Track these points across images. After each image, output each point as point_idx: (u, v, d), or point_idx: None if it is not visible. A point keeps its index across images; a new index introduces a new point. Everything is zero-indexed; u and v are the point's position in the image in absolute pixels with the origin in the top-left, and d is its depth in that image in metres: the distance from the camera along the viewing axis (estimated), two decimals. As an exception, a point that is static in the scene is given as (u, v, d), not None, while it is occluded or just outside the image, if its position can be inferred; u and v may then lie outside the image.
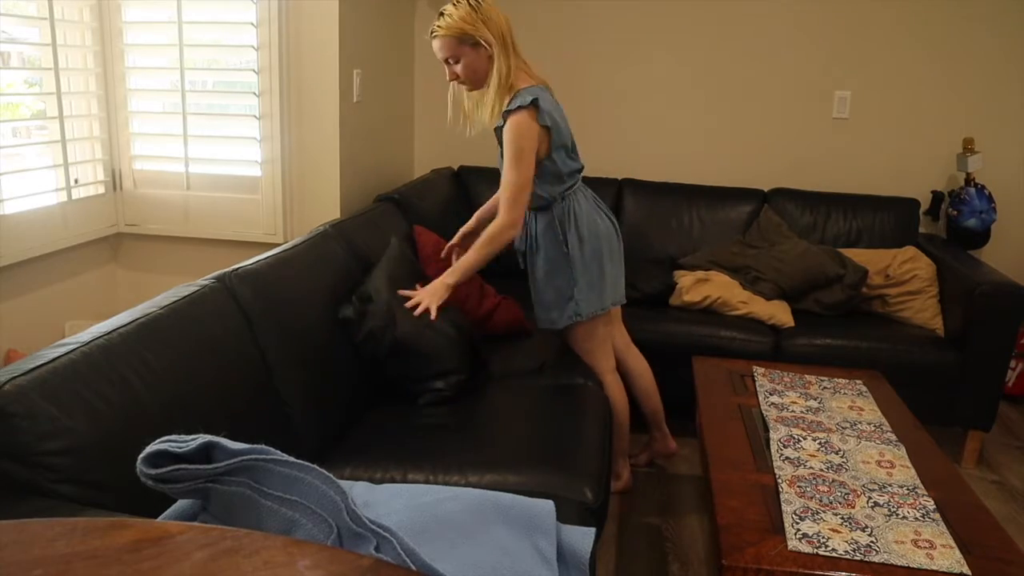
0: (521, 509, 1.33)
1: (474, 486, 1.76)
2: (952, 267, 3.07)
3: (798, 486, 1.72)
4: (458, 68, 2.23)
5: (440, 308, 2.19)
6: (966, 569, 1.45)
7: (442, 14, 2.19)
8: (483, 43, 2.19)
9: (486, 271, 2.40)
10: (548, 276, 2.39)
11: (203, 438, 0.94)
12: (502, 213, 2.23)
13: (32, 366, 1.28)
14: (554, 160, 2.29)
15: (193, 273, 2.92)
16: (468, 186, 3.65)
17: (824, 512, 1.62)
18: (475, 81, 2.26)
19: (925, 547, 1.51)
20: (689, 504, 2.62)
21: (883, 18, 3.49)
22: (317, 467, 0.97)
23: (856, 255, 3.28)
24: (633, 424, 3.22)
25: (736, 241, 3.39)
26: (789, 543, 1.50)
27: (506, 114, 2.22)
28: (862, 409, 2.17)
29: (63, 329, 2.74)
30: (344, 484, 1.29)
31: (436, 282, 2.24)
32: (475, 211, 3.72)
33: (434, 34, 2.21)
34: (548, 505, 1.36)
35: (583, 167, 2.46)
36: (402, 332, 2.14)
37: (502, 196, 2.23)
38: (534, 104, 2.18)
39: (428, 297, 2.20)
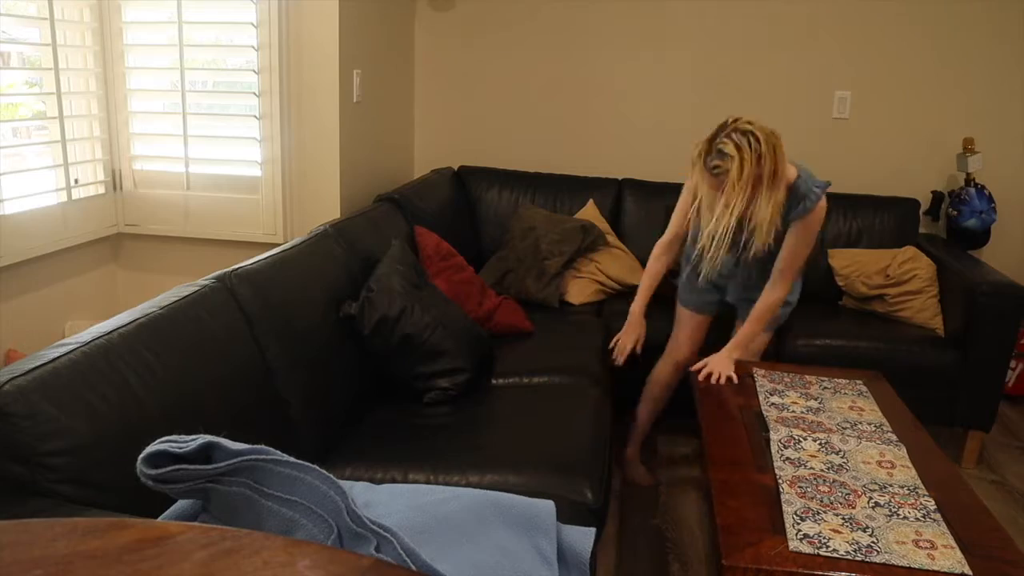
0: (521, 509, 1.33)
1: (474, 486, 1.76)
2: (952, 267, 3.07)
3: (799, 486, 1.72)
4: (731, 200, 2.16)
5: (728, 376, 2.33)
6: (967, 569, 1.45)
7: (725, 153, 2.12)
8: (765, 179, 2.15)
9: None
10: None
11: (203, 438, 0.94)
12: (781, 287, 2.39)
13: (32, 366, 1.28)
14: None
15: (193, 273, 2.92)
16: (468, 186, 3.65)
17: (825, 512, 1.62)
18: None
19: (926, 547, 1.51)
20: (689, 504, 2.62)
21: (883, 18, 3.49)
22: (317, 467, 0.97)
23: (856, 255, 3.28)
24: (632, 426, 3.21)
25: None
26: (790, 543, 1.50)
27: (808, 200, 2.26)
28: (862, 409, 2.16)
29: (63, 329, 2.74)
30: (344, 484, 1.29)
31: (723, 357, 2.36)
32: (477, 212, 3.73)
33: (718, 175, 2.15)
34: (548, 505, 1.36)
35: None
36: (413, 325, 2.15)
37: (785, 271, 2.37)
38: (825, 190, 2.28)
39: (719, 367, 2.32)
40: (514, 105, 3.81)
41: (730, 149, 2.10)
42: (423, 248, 2.73)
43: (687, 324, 2.72)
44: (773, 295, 2.40)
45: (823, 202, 2.27)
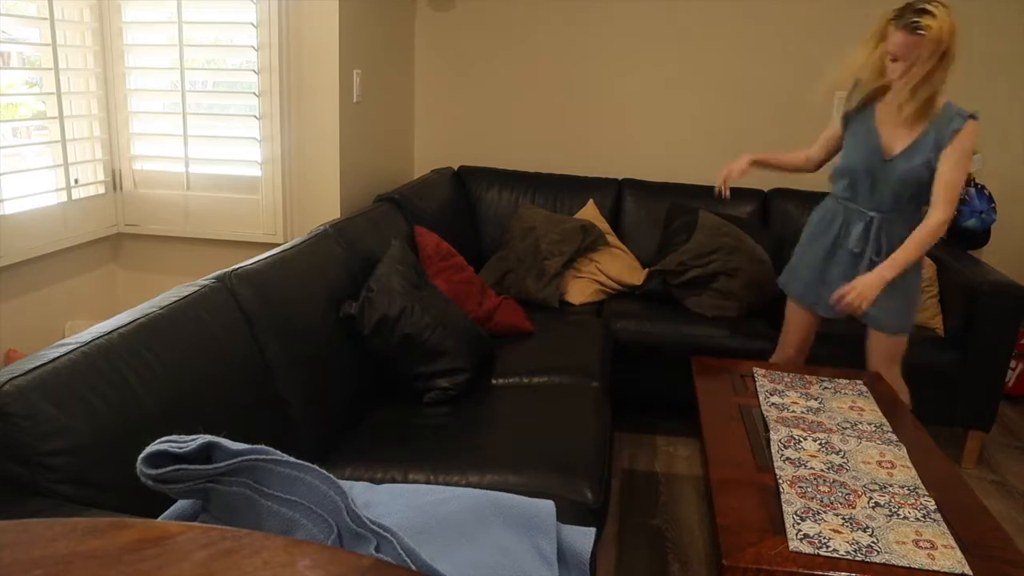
0: (521, 509, 1.33)
1: (474, 486, 1.76)
2: (952, 267, 3.07)
3: (799, 486, 1.72)
4: (912, 68, 2.24)
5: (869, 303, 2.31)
6: (967, 569, 1.45)
7: (928, 12, 2.18)
8: (948, 56, 2.22)
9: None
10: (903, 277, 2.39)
11: (203, 438, 0.94)
12: (942, 210, 2.29)
13: (32, 366, 1.28)
14: None
15: (193, 273, 2.92)
16: (468, 186, 3.65)
17: (825, 512, 1.62)
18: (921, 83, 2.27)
19: (926, 547, 1.51)
20: (689, 504, 2.62)
21: (883, 18, 3.49)
22: (317, 467, 0.97)
23: (856, 255, 3.27)
24: (631, 426, 3.22)
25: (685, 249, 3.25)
26: (790, 543, 1.50)
27: (959, 119, 2.28)
28: (862, 409, 2.16)
29: (63, 329, 2.74)
30: (344, 484, 1.29)
31: (872, 276, 2.31)
32: (477, 212, 3.73)
33: (917, 30, 2.18)
34: (548, 505, 1.36)
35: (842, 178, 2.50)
36: (413, 325, 2.15)
37: (946, 195, 2.28)
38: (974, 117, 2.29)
39: (865, 290, 2.29)
40: (514, 105, 3.81)
41: (935, 9, 2.17)
42: (423, 248, 2.73)
43: (794, 318, 2.63)
44: (934, 218, 2.30)
45: (973, 123, 2.26)
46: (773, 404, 2.16)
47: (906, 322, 2.45)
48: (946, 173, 2.29)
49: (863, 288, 2.31)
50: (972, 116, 2.27)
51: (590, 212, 3.51)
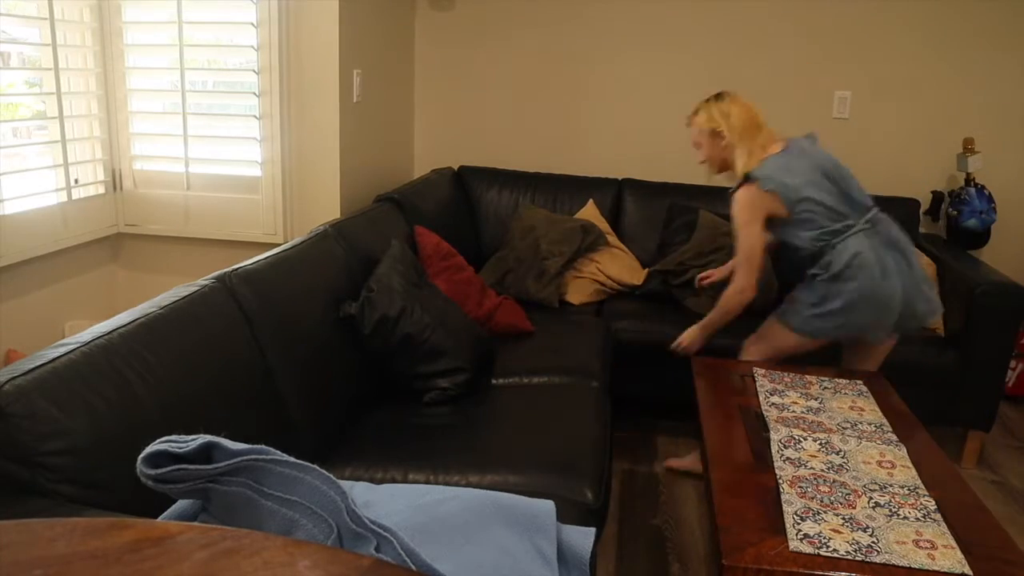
0: (521, 509, 1.33)
1: (474, 486, 1.76)
2: (952, 267, 3.07)
3: (799, 486, 1.72)
4: (701, 154, 2.51)
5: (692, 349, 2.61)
6: (967, 569, 1.45)
7: (696, 111, 2.50)
8: (723, 135, 2.43)
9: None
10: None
11: (203, 438, 0.94)
12: (739, 276, 2.45)
13: (32, 366, 1.28)
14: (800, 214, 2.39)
15: (193, 273, 2.92)
16: (468, 186, 3.65)
17: (825, 512, 1.62)
18: (717, 166, 2.51)
19: (926, 547, 1.51)
20: (689, 504, 2.62)
21: (883, 18, 3.49)
22: (317, 467, 0.97)
23: (856, 255, 3.27)
24: (631, 426, 3.22)
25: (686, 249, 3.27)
26: (790, 543, 1.50)
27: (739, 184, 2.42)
28: (863, 409, 2.16)
29: (63, 329, 2.74)
30: (344, 484, 1.29)
31: (693, 329, 2.60)
32: (477, 212, 3.74)
33: (689, 125, 2.51)
34: (548, 505, 1.36)
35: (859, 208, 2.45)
36: (413, 325, 2.15)
37: (738, 260, 2.45)
38: (750, 179, 2.39)
39: (688, 340, 2.61)
40: (514, 105, 3.81)
41: (699, 106, 2.54)
42: (423, 248, 2.73)
43: None
44: (733, 285, 2.48)
45: (745, 188, 2.39)
46: (773, 404, 2.16)
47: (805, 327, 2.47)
48: (737, 239, 2.43)
49: (686, 339, 2.61)
50: (748, 180, 2.37)
51: (590, 212, 3.51)
